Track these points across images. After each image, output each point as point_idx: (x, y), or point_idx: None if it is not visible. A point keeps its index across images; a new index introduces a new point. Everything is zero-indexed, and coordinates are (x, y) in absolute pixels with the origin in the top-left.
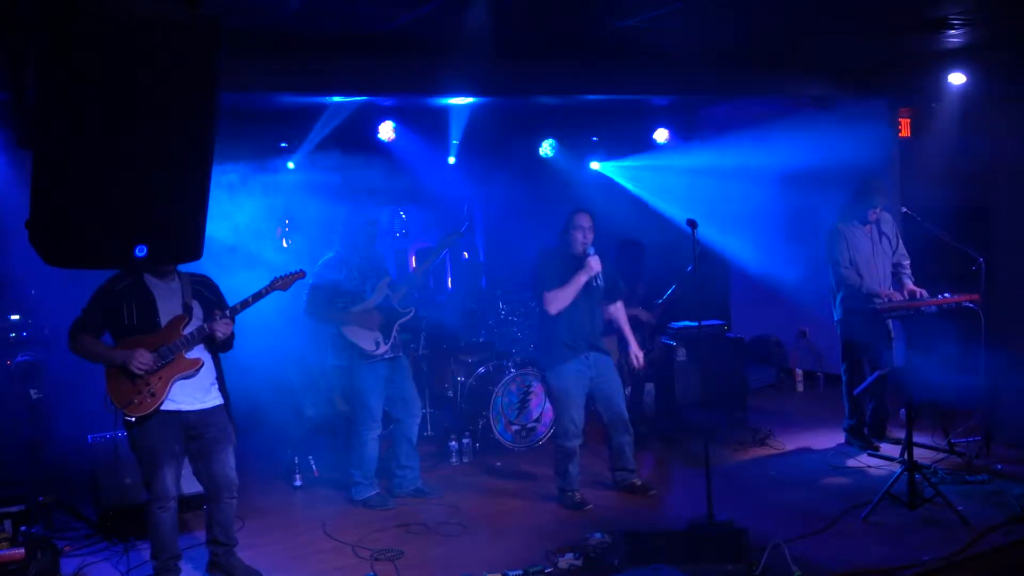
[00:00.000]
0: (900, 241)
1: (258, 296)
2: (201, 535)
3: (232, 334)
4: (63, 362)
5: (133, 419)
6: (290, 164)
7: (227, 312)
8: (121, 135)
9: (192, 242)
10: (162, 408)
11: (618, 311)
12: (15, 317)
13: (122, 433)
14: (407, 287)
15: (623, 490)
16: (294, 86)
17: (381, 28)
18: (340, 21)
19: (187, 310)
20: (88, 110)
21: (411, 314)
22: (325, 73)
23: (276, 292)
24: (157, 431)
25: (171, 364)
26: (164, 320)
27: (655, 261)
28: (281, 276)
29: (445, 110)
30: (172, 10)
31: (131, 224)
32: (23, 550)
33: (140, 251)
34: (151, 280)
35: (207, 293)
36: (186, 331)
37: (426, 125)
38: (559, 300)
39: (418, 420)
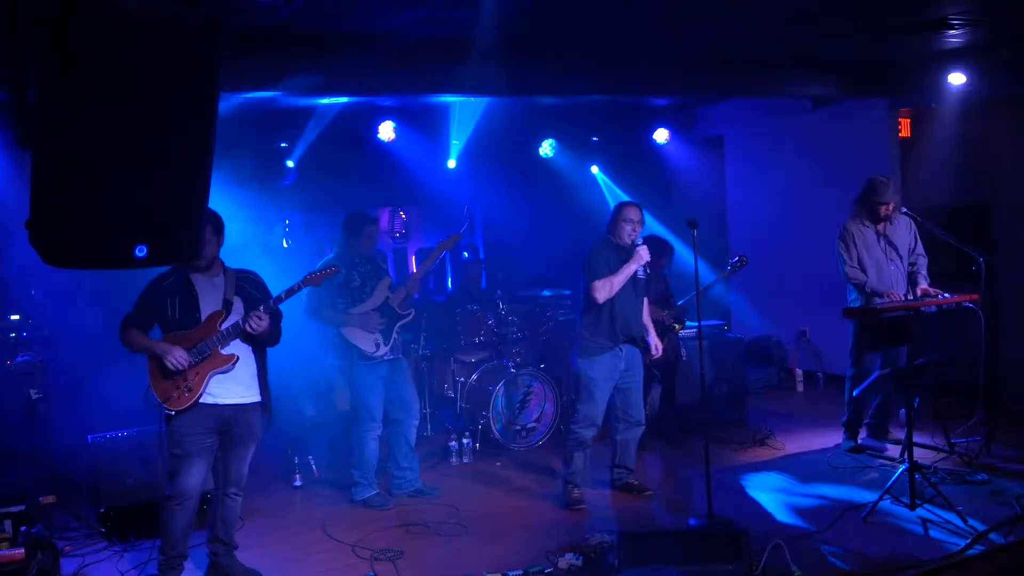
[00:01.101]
0: (918, 242)
1: (291, 292)
2: (201, 535)
3: (274, 330)
4: (63, 362)
5: (173, 412)
6: (289, 163)
7: (261, 308)
8: (121, 135)
9: (192, 242)
10: (200, 402)
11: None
12: (15, 317)
13: (123, 433)
14: (407, 289)
15: (620, 489)
16: (294, 86)
17: (380, 28)
18: (340, 21)
19: (226, 306)
20: (88, 110)
21: (411, 316)
22: (325, 73)
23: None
24: (191, 424)
25: (207, 360)
26: (204, 316)
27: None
28: (314, 272)
29: (445, 110)
30: (172, 10)
31: (131, 224)
32: (23, 550)
33: (140, 251)
34: (196, 277)
35: (251, 289)
36: (222, 327)
37: (426, 125)
38: (608, 288)
39: (416, 422)
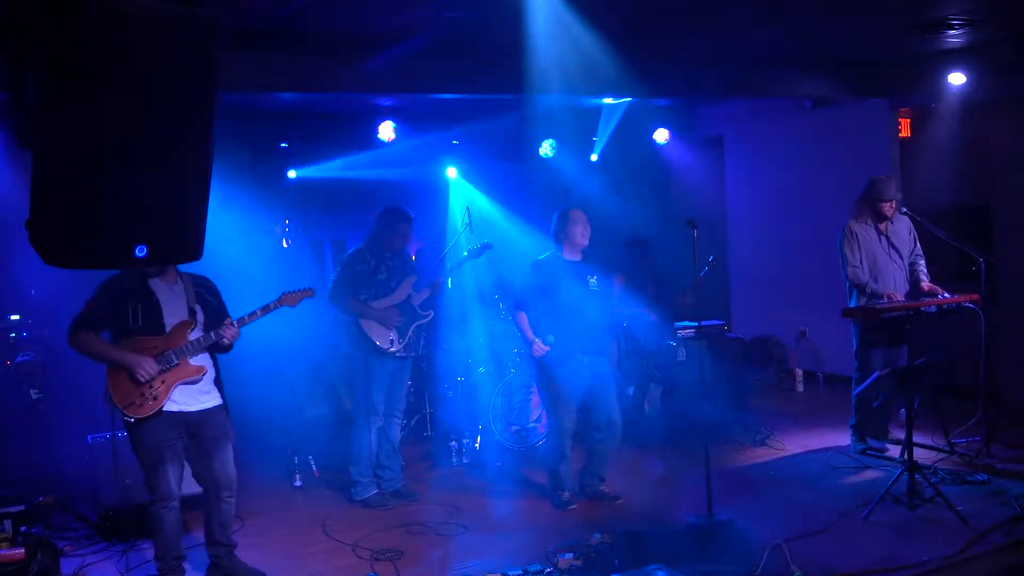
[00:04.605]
0: (917, 242)
1: (266, 309)
2: (199, 536)
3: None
4: (63, 362)
5: (132, 420)
6: (291, 173)
7: (234, 322)
8: (121, 135)
9: (192, 242)
10: (164, 409)
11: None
12: (15, 317)
13: (122, 433)
14: (431, 289)
15: (590, 497)
16: (293, 86)
17: (379, 28)
18: (339, 21)
19: (192, 315)
20: (88, 110)
21: (430, 316)
22: (324, 72)
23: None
24: (159, 431)
25: (175, 369)
26: (169, 324)
27: (662, 260)
28: (289, 292)
29: (445, 110)
30: (172, 9)
31: (131, 224)
32: (23, 550)
33: (140, 251)
34: (154, 282)
35: (208, 296)
36: (192, 337)
37: (426, 125)
38: (523, 328)
39: (399, 420)
